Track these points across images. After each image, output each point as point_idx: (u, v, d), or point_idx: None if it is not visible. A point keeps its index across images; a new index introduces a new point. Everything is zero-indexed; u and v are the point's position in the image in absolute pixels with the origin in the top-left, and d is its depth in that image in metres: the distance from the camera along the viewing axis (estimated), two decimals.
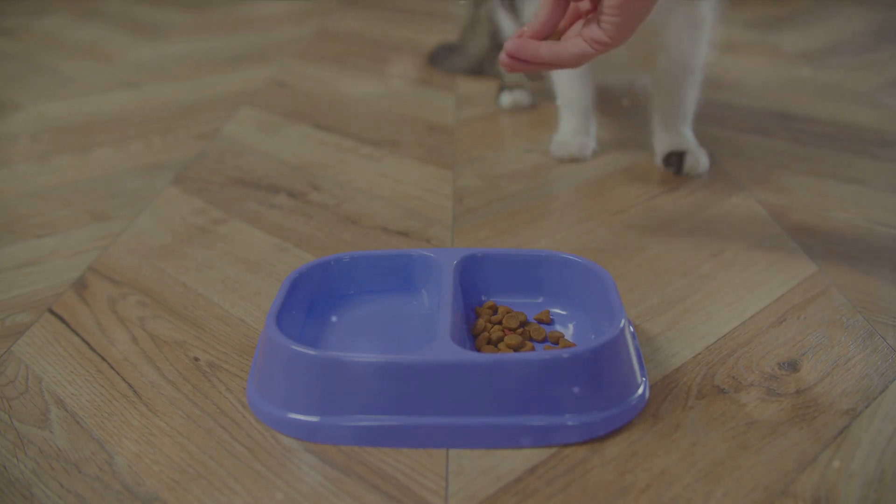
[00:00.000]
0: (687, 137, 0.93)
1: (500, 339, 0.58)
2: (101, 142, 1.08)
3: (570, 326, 0.61)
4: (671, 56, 0.89)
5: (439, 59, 1.42)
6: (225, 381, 0.57)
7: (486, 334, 0.58)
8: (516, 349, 0.57)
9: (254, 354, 0.59)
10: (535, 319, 0.61)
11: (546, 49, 0.63)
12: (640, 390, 0.53)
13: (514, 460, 0.49)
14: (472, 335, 0.59)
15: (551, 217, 0.83)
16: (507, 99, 1.18)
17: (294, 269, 0.62)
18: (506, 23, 1.15)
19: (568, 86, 0.99)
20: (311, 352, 0.51)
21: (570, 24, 0.66)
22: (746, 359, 0.58)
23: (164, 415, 0.54)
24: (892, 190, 0.87)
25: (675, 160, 0.91)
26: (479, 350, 0.57)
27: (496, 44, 1.21)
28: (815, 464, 0.48)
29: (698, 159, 0.91)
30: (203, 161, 1.00)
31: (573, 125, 0.99)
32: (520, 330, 0.59)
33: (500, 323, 0.60)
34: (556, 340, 0.58)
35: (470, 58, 1.35)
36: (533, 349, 0.57)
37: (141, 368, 0.59)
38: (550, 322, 0.61)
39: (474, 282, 0.63)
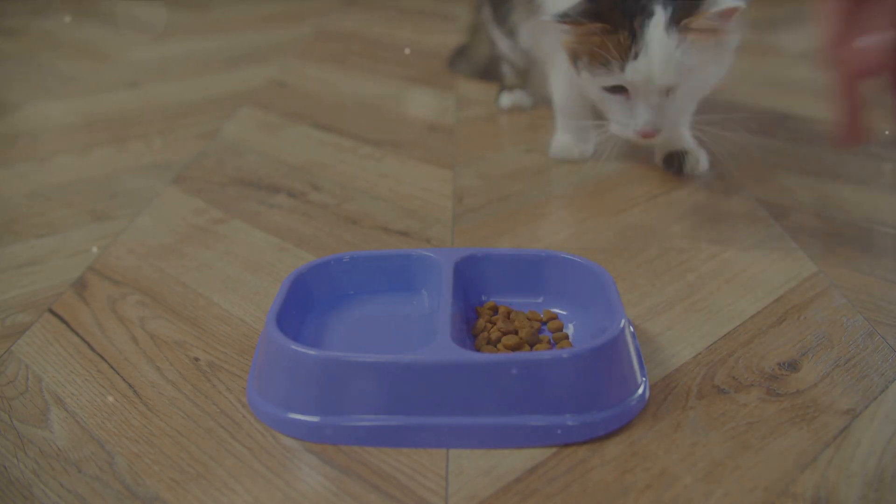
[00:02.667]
0: (686, 137, 0.93)
1: (500, 339, 0.58)
2: (101, 142, 1.08)
3: (571, 326, 0.61)
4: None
5: (453, 61, 1.42)
6: (225, 381, 0.57)
7: (485, 334, 0.58)
8: (514, 349, 0.57)
9: (254, 354, 0.59)
10: (546, 320, 0.61)
11: None
12: (640, 390, 0.53)
13: (514, 460, 0.49)
14: (472, 335, 0.59)
15: (551, 217, 0.83)
16: (506, 100, 1.18)
17: (294, 269, 0.62)
18: (501, 40, 1.12)
19: (565, 99, 0.98)
20: (311, 352, 0.51)
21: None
22: (746, 359, 0.58)
23: (164, 415, 0.54)
24: (892, 190, 0.87)
25: (676, 160, 0.91)
26: (478, 350, 0.57)
27: (496, 53, 1.20)
28: (815, 464, 0.48)
29: (698, 159, 0.91)
30: (203, 161, 1.00)
31: (571, 129, 0.98)
32: (529, 331, 0.58)
33: (516, 332, 0.59)
34: (560, 340, 0.58)
35: (475, 64, 1.35)
36: (529, 349, 0.57)
37: (141, 368, 0.59)
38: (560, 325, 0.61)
39: (474, 282, 0.63)
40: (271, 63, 1.49)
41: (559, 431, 0.50)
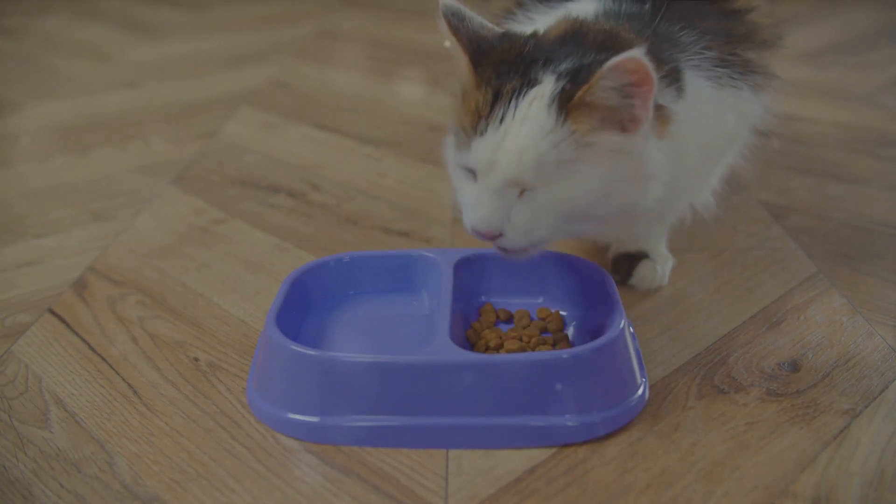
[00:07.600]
0: (654, 237, 0.69)
1: (500, 346, 0.57)
2: (101, 142, 1.08)
3: (571, 326, 0.61)
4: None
5: None
6: (225, 381, 0.57)
7: (483, 342, 0.58)
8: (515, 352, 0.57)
9: (254, 354, 0.59)
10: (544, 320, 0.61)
11: None
12: (640, 390, 0.53)
13: (514, 460, 0.49)
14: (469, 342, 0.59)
15: None
16: None
17: (294, 269, 0.62)
18: None
19: None
20: (311, 352, 0.51)
21: None
22: (746, 359, 0.58)
23: (164, 415, 0.54)
24: (892, 190, 0.87)
25: (624, 265, 0.68)
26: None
27: None
28: (815, 464, 0.48)
29: (656, 271, 0.67)
30: (203, 161, 1.00)
31: None
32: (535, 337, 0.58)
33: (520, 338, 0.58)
34: (560, 340, 0.58)
35: None
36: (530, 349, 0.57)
37: (141, 368, 0.59)
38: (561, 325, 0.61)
39: (474, 282, 0.63)
40: (271, 63, 1.48)
41: (559, 431, 0.50)
